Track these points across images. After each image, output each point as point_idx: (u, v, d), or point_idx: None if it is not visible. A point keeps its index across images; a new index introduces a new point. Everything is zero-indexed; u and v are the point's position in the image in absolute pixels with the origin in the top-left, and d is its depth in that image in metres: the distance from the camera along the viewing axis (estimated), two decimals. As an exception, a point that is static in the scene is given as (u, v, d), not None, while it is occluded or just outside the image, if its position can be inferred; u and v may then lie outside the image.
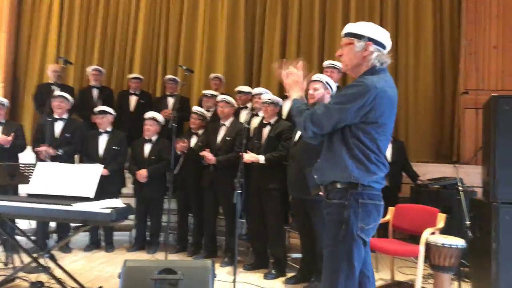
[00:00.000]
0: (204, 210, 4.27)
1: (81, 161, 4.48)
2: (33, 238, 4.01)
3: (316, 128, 1.90)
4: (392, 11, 6.14)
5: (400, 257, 3.84)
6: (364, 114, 1.84)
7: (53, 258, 3.10)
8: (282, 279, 3.63)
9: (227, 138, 4.13)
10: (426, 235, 3.15)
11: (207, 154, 3.99)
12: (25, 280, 3.12)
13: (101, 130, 4.46)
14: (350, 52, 1.93)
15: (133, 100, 5.44)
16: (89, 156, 4.35)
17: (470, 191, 4.19)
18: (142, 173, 4.37)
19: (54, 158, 4.10)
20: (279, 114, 4.08)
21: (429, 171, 5.15)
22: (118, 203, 2.88)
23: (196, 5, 6.36)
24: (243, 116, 4.64)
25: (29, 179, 3.23)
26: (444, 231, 3.33)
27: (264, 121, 3.86)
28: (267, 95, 3.90)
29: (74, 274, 3.13)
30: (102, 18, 6.44)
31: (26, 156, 4.50)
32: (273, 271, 3.70)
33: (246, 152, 3.64)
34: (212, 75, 5.57)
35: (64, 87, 4.91)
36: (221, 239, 4.38)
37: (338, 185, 1.90)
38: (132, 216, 4.37)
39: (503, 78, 5.88)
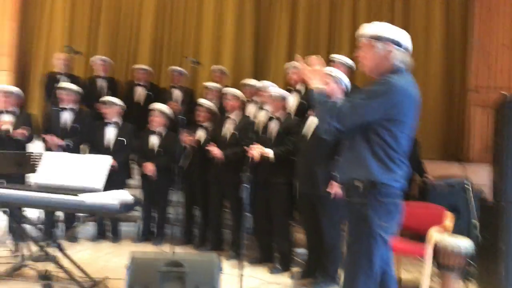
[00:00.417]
0: (209, 203, 4.27)
1: (89, 152, 4.48)
2: (40, 227, 4.05)
3: (339, 124, 1.90)
4: (402, 8, 6.08)
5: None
6: (388, 112, 1.85)
7: (60, 248, 3.13)
8: (287, 273, 3.64)
9: (234, 132, 4.12)
10: (433, 235, 3.13)
11: (214, 149, 3.98)
12: (33, 269, 3.14)
13: (107, 120, 4.45)
14: (370, 53, 1.95)
15: (138, 91, 5.42)
16: (96, 147, 4.35)
17: (477, 191, 4.16)
18: (149, 167, 4.37)
19: (61, 148, 4.11)
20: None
21: (436, 168, 5.12)
22: (125, 194, 2.89)
23: (203, -4, 6.33)
24: (250, 109, 4.63)
25: (36, 168, 3.24)
26: (451, 231, 3.31)
27: (271, 115, 3.83)
28: (275, 89, 3.87)
29: (81, 264, 3.15)
30: (106, 7, 6.41)
31: (34, 145, 4.51)
32: (278, 266, 3.70)
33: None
34: (214, 67, 5.50)
35: (71, 77, 4.91)
36: (226, 232, 4.39)
37: (358, 184, 1.91)
38: (138, 208, 4.38)
39: (512, 76, 5.81)
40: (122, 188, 3.41)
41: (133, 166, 4.79)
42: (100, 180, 2.97)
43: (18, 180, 3.62)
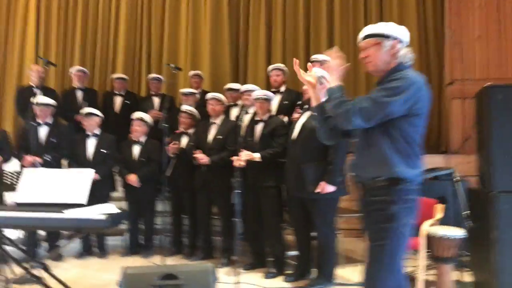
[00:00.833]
0: (198, 211, 4.19)
1: (69, 166, 4.33)
2: (22, 247, 3.88)
3: (364, 121, 1.87)
4: (377, 3, 6.15)
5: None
6: (410, 106, 1.86)
7: (45, 268, 2.99)
8: (282, 277, 3.59)
9: (219, 137, 4.06)
10: (426, 227, 3.14)
11: (200, 155, 3.91)
12: (18, 292, 3.00)
13: (88, 133, 4.32)
14: (379, 52, 1.97)
15: (118, 101, 5.30)
16: (77, 161, 4.21)
17: (464, 181, 4.21)
18: (133, 179, 4.26)
19: (41, 165, 3.96)
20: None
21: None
22: (111, 208, 2.79)
23: (179, 2, 6.24)
24: (234, 113, 4.57)
25: (14, 186, 3.10)
26: (440, 222, 3.33)
27: (257, 118, 3.79)
28: (261, 91, 3.83)
29: (69, 283, 3.02)
30: (81, 16, 6.27)
31: (10, 163, 4.33)
32: (272, 270, 3.65)
33: (241, 151, 3.57)
34: (192, 72, 5.41)
35: (46, 90, 4.74)
36: (216, 239, 4.31)
37: (381, 181, 1.88)
38: (124, 220, 4.25)
39: (488, 67, 5.93)
40: (106, 201, 3.30)
41: (116, 178, 4.67)
42: (83, 194, 2.86)
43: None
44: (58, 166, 4.18)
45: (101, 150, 4.27)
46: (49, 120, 4.25)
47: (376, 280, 1.89)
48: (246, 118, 4.23)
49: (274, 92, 4.17)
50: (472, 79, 5.92)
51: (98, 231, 3.75)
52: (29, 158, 3.93)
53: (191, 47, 6.14)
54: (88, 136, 4.31)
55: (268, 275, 3.62)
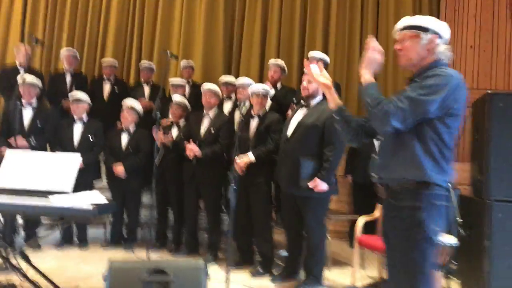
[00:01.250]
0: (185, 204, 4.08)
1: (52, 151, 4.15)
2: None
3: (401, 123, 1.73)
4: (373, 7, 6.14)
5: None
6: (450, 106, 1.73)
7: (24, 256, 2.84)
8: (269, 276, 3.52)
9: (211, 130, 3.95)
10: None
11: (193, 147, 3.80)
12: (-6, 281, 2.83)
13: (75, 118, 4.15)
14: (416, 45, 1.83)
15: (107, 87, 5.11)
16: (62, 146, 4.03)
17: (455, 189, 4.21)
18: (120, 169, 4.11)
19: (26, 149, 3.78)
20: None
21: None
22: (97, 196, 2.65)
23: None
24: (227, 107, 4.47)
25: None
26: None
27: (252, 113, 3.69)
28: (259, 85, 3.73)
29: (48, 274, 2.87)
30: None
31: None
32: (260, 268, 3.57)
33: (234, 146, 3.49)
34: (184, 62, 5.24)
35: (33, 72, 4.52)
36: (202, 235, 4.21)
37: (409, 185, 1.75)
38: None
39: (478, 77, 6.00)
40: (90, 189, 3.15)
41: (100, 166, 4.52)
42: (69, 182, 2.72)
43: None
44: (43, 151, 3.99)
45: (88, 137, 4.11)
46: (34, 102, 4.06)
47: None
48: (238, 113, 4.15)
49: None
50: (463, 88, 5.98)
51: (84, 220, 3.60)
52: (19, 140, 3.73)
53: (184, 36, 5.99)
54: (74, 121, 4.14)
55: (255, 274, 3.54)
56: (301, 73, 5.93)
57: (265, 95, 3.64)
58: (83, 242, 4.19)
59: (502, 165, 2.92)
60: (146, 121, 4.55)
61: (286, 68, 4.37)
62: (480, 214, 2.99)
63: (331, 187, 3.19)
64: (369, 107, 1.79)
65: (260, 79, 5.81)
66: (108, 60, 5.31)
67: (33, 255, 3.66)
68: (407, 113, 1.71)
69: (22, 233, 4.13)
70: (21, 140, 3.79)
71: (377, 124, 1.80)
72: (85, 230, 4.25)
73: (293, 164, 3.17)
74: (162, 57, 5.48)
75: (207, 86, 4.05)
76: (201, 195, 4.03)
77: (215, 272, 3.42)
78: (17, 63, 4.56)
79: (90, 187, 3.79)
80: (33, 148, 3.81)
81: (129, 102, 4.30)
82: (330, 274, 3.65)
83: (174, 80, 4.81)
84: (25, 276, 2.71)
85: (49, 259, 3.73)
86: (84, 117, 4.19)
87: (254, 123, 3.66)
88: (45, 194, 2.51)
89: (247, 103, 3.85)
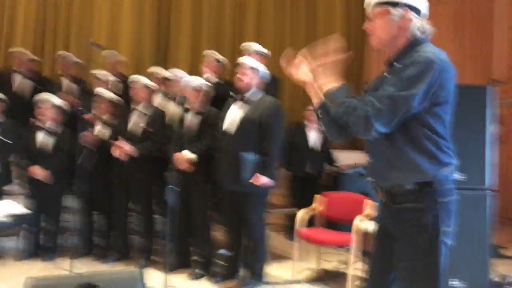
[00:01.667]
0: (114, 207, 3.76)
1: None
2: None
3: (383, 125, 1.51)
4: (306, 6, 6.22)
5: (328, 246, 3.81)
6: (436, 95, 1.52)
7: None
8: (208, 277, 3.37)
9: (141, 126, 3.67)
10: (357, 222, 3.16)
11: (125, 145, 3.50)
12: None
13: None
14: (386, 23, 1.60)
15: (17, 79, 4.56)
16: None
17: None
18: (37, 171, 3.68)
19: None
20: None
21: (341, 157, 5.31)
22: (13, 205, 2.31)
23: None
24: (157, 100, 4.20)
25: None
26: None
27: (188, 107, 3.48)
28: (194, 78, 3.53)
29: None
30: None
31: None
32: (199, 270, 3.40)
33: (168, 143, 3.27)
34: (109, 53, 4.84)
35: None
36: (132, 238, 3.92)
37: (408, 186, 1.56)
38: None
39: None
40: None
41: (12, 169, 4.01)
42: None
43: None
44: None
45: (2, 139, 3.61)
46: None
47: None
48: (171, 107, 3.91)
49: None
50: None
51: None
52: None
53: (108, 23, 5.55)
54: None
55: (194, 276, 3.36)
56: (234, 64, 5.83)
57: (200, 88, 3.45)
58: (-6, 255, 3.70)
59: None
60: (66, 117, 4.14)
61: (222, 60, 4.19)
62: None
63: (272, 182, 3.12)
64: (344, 116, 1.57)
65: (191, 71, 5.60)
66: (19, 49, 4.73)
67: None
68: (390, 114, 1.51)
69: None
70: None
71: (359, 131, 1.57)
72: (-4, 242, 3.75)
73: (233, 160, 3.03)
74: (84, 48, 5.01)
75: (136, 78, 3.75)
76: (131, 197, 3.75)
77: (152, 278, 3.18)
78: None
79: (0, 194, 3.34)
80: None
81: (46, 96, 3.85)
82: (270, 269, 3.58)
83: (98, 72, 4.41)
84: None
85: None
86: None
87: (189, 118, 3.45)
88: None
89: (181, 98, 3.63)
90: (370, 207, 3.37)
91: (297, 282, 3.45)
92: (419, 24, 1.60)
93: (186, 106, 3.46)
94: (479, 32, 6.48)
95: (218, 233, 3.60)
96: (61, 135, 3.84)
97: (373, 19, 1.64)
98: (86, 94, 4.21)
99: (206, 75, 3.94)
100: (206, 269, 3.42)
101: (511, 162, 5.85)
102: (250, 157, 3.01)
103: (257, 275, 3.19)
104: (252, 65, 3.19)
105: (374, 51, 5.60)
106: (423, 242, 1.54)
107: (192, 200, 3.39)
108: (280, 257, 4.03)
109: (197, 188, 3.38)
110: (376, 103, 1.51)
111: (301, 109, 5.97)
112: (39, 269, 3.51)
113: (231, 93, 3.54)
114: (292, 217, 4.46)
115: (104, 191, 3.80)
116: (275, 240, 4.45)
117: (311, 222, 3.69)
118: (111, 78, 4.39)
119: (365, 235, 3.10)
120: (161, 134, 3.60)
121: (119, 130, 3.68)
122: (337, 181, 4.70)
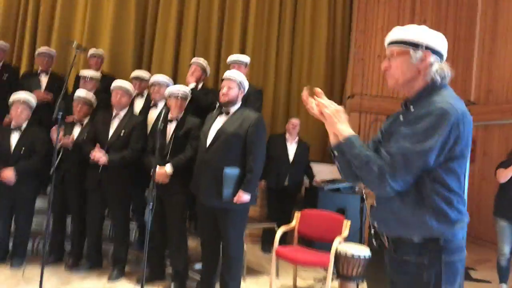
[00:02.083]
0: (88, 213, 3.65)
1: None
2: None
3: (398, 184, 1.43)
4: (291, 8, 6.20)
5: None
6: (449, 149, 1.43)
7: None
8: (183, 292, 3.31)
9: (121, 133, 3.56)
10: (336, 245, 3.16)
11: (98, 155, 3.39)
12: None
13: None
14: (404, 64, 1.52)
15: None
16: None
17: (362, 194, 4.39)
18: (8, 174, 3.51)
19: None
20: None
21: (319, 171, 5.31)
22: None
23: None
24: (138, 105, 4.10)
25: None
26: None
27: (170, 117, 3.40)
28: (178, 87, 3.44)
29: None
30: None
31: None
32: (172, 285, 3.33)
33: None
34: (92, 51, 4.71)
35: None
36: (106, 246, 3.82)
37: (414, 238, 1.47)
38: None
39: (383, 85, 6.42)
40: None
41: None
42: None
43: None
44: None
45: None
46: None
47: None
48: (153, 114, 3.82)
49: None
50: (369, 94, 6.35)
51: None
52: None
53: (89, 21, 5.39)
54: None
55: (168, 291, 3.30)
56: (217, 72, 5.78)
57: (184, 98, 3.38)
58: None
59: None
60: (42, 116, 3.99)
61: (207, 69, 4.11)
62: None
63: (252, 198, 3.07)
64: (358, 170, 1.50)
65: (175, 77, 5.51)
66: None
67: None
68: (405, 172, 1.42)
69: None
70: None
71: (373, 188, 1.50)
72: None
73: (213, 175, 2.97)
74: (63, 46, 4.88)
75: (117, 83, 3.63)
76: (107, 204, 3.64)
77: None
78: None
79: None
80: None
81: (22, 95, 3.69)
82: (246, 286, 3.56)
83: (85, 72, 4.24)
84: None
85: None
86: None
87: (171, 128, 3.37)
88: None
89: (160, 105, 3.55)
90: (347, 228, 3.38)
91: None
92: (439, 68, 1.51)
93: (170, 116, 3.37)
94: (460, 56, 6.65)
95: (195, 245, 3.54)
96: (34, 136, 3.68)
97: (391, 57, 1.56)
98: (65, 94, 4.08)
99: (192, 84, 3.87)
100: (181, 284, 3.36)
101: (484, 183, 6.01)
102: (233, 172, 2.95)
103: (233, 291, 3.15)
104: (239, 80, 3.13)
105: (358, 62, 5.52)
106: None
107: (168, 211, 3.32)
108: (256, 272, 4.00)
109: (173, 199, 3.31)
110: (389, 159, 1.44)
111: (283, 121, 5.98)
112: (7, 277, 3.37)
113: (217, 103, 3.48)
114: (269, 230, 4.45)
115: (76, 196, 3.68)
116: (250, 253, 4.42)
117: (286, 236, 3.67)
118: (95, 76, 4.24)
119: (344, 258, 3.11)
120: (140, 142, 3.51)
121: (98, 136, 3.57)
122: (315, 196, 4.69)
